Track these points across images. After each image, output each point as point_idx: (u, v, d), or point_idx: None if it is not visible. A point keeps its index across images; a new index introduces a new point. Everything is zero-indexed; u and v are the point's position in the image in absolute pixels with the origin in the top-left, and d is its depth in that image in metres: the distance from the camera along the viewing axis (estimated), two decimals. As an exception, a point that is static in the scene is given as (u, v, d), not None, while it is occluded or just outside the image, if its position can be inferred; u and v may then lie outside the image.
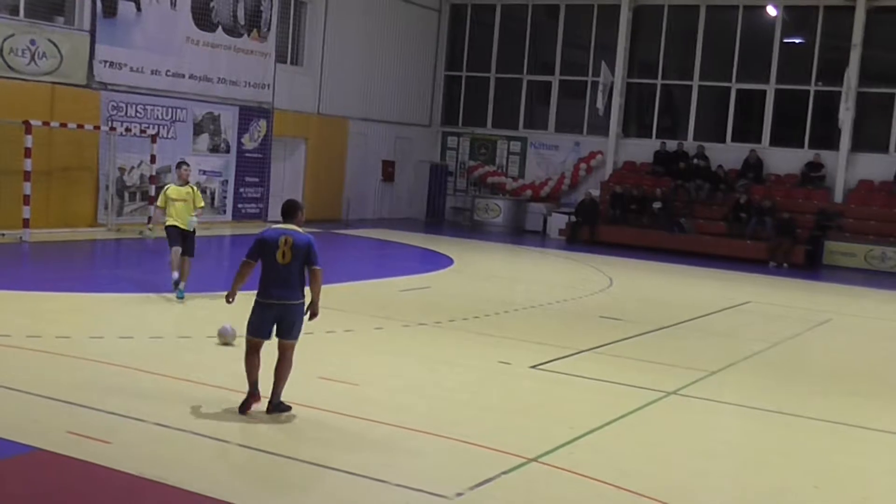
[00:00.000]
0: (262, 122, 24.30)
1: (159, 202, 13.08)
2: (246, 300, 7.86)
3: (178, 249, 12.76)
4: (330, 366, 9.58)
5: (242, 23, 23.42)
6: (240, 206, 24.06)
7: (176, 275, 12.66)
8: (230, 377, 8.40)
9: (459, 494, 6.25)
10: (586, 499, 6.50)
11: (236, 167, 23.63)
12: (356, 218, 27.04)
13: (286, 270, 7.57)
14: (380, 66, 28.31)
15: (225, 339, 9.95)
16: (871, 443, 8.54)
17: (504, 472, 6.74)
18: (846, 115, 25.41)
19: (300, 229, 7.73)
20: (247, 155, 23.96)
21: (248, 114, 23.87)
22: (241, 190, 23.94)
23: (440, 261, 19.86)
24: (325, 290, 7.90)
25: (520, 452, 7.13)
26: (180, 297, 12.61)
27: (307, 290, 7.69)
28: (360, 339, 11.18)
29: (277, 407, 7.68)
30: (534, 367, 10.28)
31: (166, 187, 13.19)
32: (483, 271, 19.53)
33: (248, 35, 23.56)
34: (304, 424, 7.63)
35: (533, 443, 7.41)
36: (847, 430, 8.83)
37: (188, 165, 13.58)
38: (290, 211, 7.85)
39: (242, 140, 23.82)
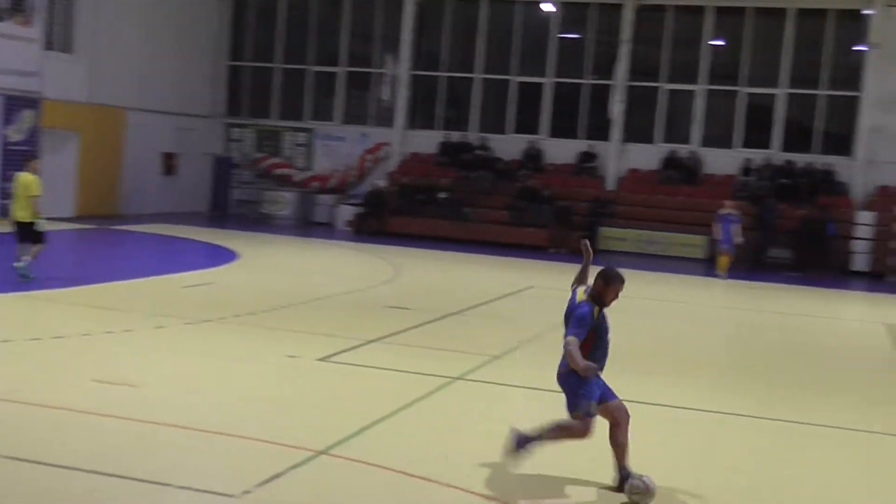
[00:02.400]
0: (30, 113, 22.88)
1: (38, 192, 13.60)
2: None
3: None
4: (106, 368, 9.14)
5: (5, 6, 21.95)
6: (6, 202, 22.55)
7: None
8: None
9: (246, 492, 6.12)
10: (374, 487, 6.52)
11: (3, 161, 22.12)
12: (135, 213, 25.97)
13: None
14: (159, 54, 27.29)
15: (638, 496, 6.59)
16: (657, 421, 8.95)
17: (293, 467, 6.65)
18: (617, 108, 26.88)
19: (583, 296, 6.79)
20: (13, 148, 22.49)
21: (14, 103, 22.43)
22: (7, 186, 22.44)
23: (225, 255, 19.37)
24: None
25: (309, 446, 7.06)
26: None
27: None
28: (139, 339, 10.72)
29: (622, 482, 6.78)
30: (322, 359, 10.22)
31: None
32: (269, 265, 19.21)
33: (11, 19, 22.11)
34: (79, 431, 7.22)
35: (322, 435, 7.35)
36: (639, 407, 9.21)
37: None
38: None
39: (7, 132, 22.36)
